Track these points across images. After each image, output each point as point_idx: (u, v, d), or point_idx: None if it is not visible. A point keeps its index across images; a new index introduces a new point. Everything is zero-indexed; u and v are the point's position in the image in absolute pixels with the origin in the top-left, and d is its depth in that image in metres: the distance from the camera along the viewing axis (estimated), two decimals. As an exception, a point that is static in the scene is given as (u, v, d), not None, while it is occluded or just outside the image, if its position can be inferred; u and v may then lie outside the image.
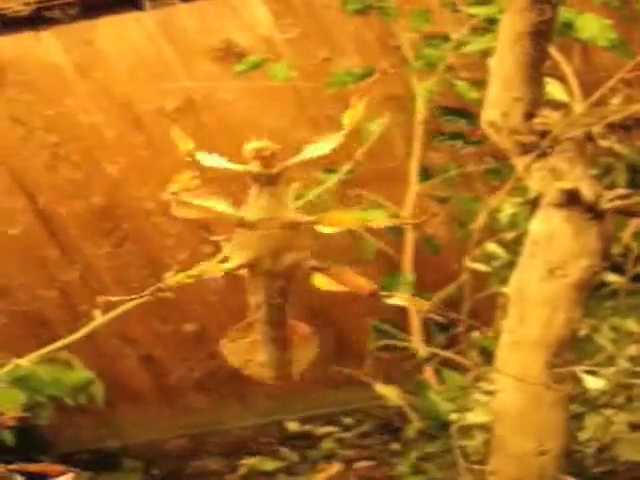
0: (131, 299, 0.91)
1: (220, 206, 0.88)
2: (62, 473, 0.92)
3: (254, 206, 0.87)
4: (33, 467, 0.92)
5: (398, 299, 0.89)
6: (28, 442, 2.18)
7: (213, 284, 2.24)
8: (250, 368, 0.92)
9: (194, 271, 0.88)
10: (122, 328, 2.41)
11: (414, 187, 1.76)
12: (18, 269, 2.41)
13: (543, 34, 1.26)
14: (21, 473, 0.90)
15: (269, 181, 0.87)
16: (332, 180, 1.01)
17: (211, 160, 0.88)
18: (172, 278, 0.89)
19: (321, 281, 0.90)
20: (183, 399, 2.51)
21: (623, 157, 1.48)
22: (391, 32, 1.82)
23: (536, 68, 1.28)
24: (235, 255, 0.88)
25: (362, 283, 0.89)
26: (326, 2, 2.05)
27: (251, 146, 0.87)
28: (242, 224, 0.88)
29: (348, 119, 0.87)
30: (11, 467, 0.90)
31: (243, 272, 0.89)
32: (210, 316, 2.41)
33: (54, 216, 2.37)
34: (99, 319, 1.49)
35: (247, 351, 0.91)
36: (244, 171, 0.87)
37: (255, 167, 0.86)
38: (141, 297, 0.89)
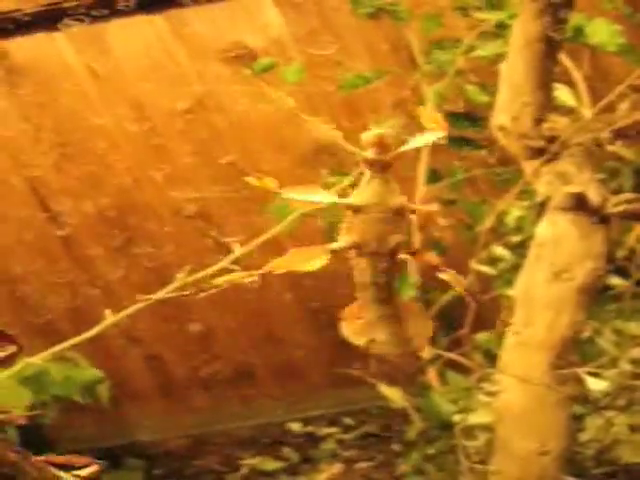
0: (156, 297, 0.94)
1: (328, 197, 0.92)
2: (88, 464, 0.94)
3: (365, 191, 0.91)
4: (59, 458, 0.94)
5: (446, 274, 0.94)
6: (32, 440, 2.19)
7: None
8: (374, 347, 0.95)
9: (295, 255, 0.92)
10: (127, 327, 2.42)
11: (422, 189, 1.78)
12: (26, 268, 2.43)
13: (554, 40, 1.28)
14: (49, 464, 0.93)
15: (383, 168, 0.90)
16: (344, 183, 1.04)
17: (324, 130, 0.91)
18: (267, 266, 0.93)
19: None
20: (186, 399, 2.52)
21: (629, 162, 1.50)
22: (402, 36, 1.84)
23: (546, 73, 1.30)
24: (344, 237, 0.91)
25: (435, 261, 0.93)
26: (337, 5, 2.07)
27: (372, 133, 0.90)
28: (353, 209, 0.91)
29: (427, 120, 0.91)
30: (40, 458, 0.92)
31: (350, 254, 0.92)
32: (215, 317, 2.43)
33: (62, 216, 2.39)
34: (110, 319, 1.51)
35: (366, 331, 0.94)
36: (362, 156, 0.90)
37: (372, 153, 0.90)
38: (167, 294, 0.92)
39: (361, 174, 0.91)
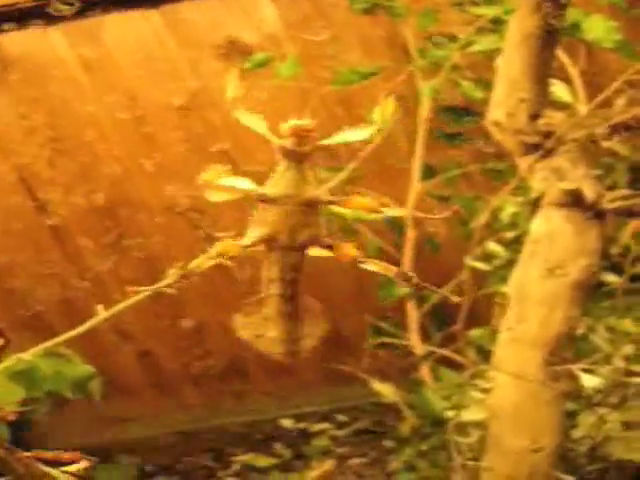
0: (144, 290, 0.93)
1: (245, 184, 0.90)
2: (77, 460, 0.93)
3: (279, 182, 0.90)
4: (48, 454, 0.93)
5: (370, 264, 0.92)
6: (22, 436, 2.18)
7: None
8: (260, 343, 0.94)
9: (210, 254, 0.90)
10: (118, 323, 2.42)
11: (416, 185, 1.78)
12: (18, 262, 2.42)
13: (550, 36, 1.28)
14: (37, 460, 0.92)
15: (299, 158, 0.89)
16: (337, 178, 1.03)
17: (250, 121, 0.90)
18: (185, 266, 0.92)
19: (317, 252, 0.93)
20: (178, 394, 2.52)
21: (624, 158, 1.50)
22: (397, 31, 1.84)
23: (543, 69, 1.30)
24: (254, 230, 0.90)
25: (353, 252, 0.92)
26: (333, 1, 2.07)
27: (291, 123, 0.89)
28: (264, 200, 0.90)
29: (378, 115, 0.89)
30: (28, 455, 0.91)
31: (260, 248, 0.91)
32: (207, 312, 2.42)
33: (55, 211, 2.38)
34: (102, 314, 1.50)
35: (259, 326, 0.93)
36: (278, 144, 0.89)
37: (289, 143, 0.89)
38: (157, 288, 0.92)
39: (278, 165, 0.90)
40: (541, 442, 1.37)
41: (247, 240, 0.90)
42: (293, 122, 0.88)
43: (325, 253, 0.91)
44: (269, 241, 0.90)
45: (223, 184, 0.89)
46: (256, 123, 0.90)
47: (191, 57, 2.22)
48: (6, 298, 2.43)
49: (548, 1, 1.24)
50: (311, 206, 0.90)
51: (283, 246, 0.90)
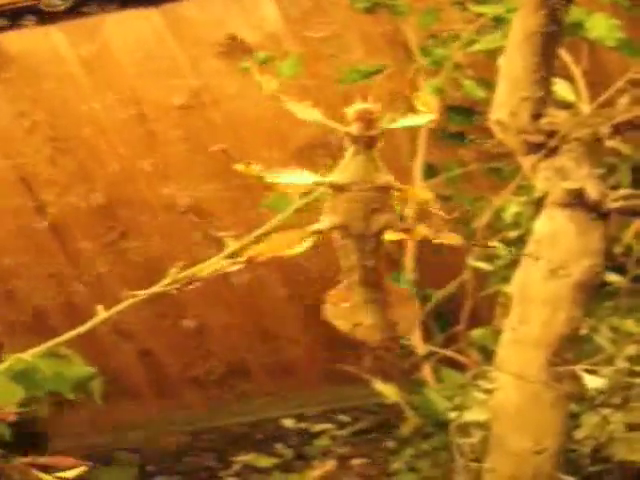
0: (142, 294, 0.92)
1: (310, 177, 0.88)
2: (73, 466, 0.92)
3: (348, 168, 0.88)
4: (43, 460, 0.92)
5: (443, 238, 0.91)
6: (23, 437, 2.17)
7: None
8: (358, 332, 0.92)
9: (277, 237, 0.89)
10: (119, 323, 2.41)
11: (418, 184, 1.77)
12: (18, 262, 2.42)
13: (553, 35, 1.27)
14: (32, 466, 0.90)
15: (367, 144, 0.87)
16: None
17: (305, 112, 0.88)
18: (254, 249, 0.90)
19: (393, 236, 0.92)
20: (180, 395, 2.51)
21: (628, 157, 1.49)
22: (399, 30, 1.83)
23: (545, 68, 1.29)
24: (327, 218, 0.88)
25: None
26: (335, -1, 2.06)
27: (356, 108, 0.87)
28: (335, 187, 0.87)
29: (423, 105, 0.88)
30: (24, 461, 0.90)
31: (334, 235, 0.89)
32: (209, 313, 2.42)
33: (54, 210, 2.37)
34: (102, 315, 1.49)
35: (351, 315, 0.91)
36: (345, 131, 0.87)
37: (356, 129, 0.87)
38: (159, 289, 0.90)
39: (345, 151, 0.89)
40: (544, 443, 1.36)
41: (319, 227, 0.88)
42: (358, 106, 0.87)
43: (401, 236, 0.90)
44: (343, 229, 0.88)
45: (287, 180, 0.88)
46: (309, 112, 0.88)
47: (191, 55, 2.22)
48: (6, 299, 2.43)
49: (546, 9, 1.23)
50: (383, 191, 0.88)
51: (358, 233, 0.88)
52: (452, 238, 0.91)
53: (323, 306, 0.92)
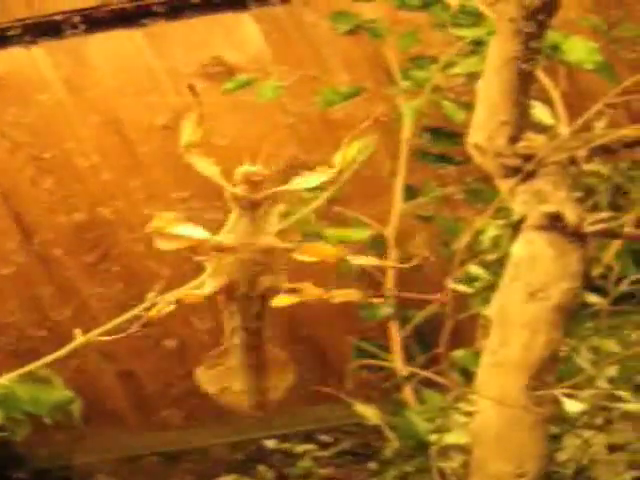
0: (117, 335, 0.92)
1: (198, 233, 0.88)
2: None
3: (233, 230, 0.88)
4: None
5: (337, 296, 0.91)
6: (3, 458, 2.15)
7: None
8: (226, 396, 0.91)
9: (172, 297, 0.89)
10: (100, 343, 2.39)
11: (398, 205, 1.78)
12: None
13: (530, 59, 1.28)
14: None
15: (252, 205, 0.87)
16: (319, 200, 1.02)
17: (203, 166, 0.88)
18: (153, 309, 0.90)
19: (283, 300, 0.91)
20: (159, 415, 2.49)
21: (607, 178, 1.50)
22: (380, 52, 1.84)
23: (523, 92, 1.30)
24: (212, 280, 0.88)
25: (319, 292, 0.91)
26: (316, 21, 2.07)
27: (242, 169, 0.88)
28: (220, 248, 0.88)
29: (340, 159, 0.89)
30: None
31: (219, 297, 0.89)
32: (190, 333, 2.40)
33: (38, 230, 2.36)
34: (80, 338, 1.48)
35: (223, 378, 0.91)
36: (229, 192, 0.87)
37: (241, 190, 0.87)
38: (127, 333, 0.90)
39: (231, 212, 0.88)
40: (525, 467, 1.36)
41: (206, 290, 0.88)
42: (244, 168, 0.87)
43: (289, 300, 0.89)
44: (228, 290, 0.87)
45: (176, 232, 0.87)
46: (208, 169, 0.89)
47: (174, 76, 2.22)
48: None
49: (523, 36, 1.24)
50: (268, 253, 0.87)
51: (243, 295, 0.88)
52: (350, 294, 0.91)
53: (197, 369, 0.91)
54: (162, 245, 0.88)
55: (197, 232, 0.87)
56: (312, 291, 0.89)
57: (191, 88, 0.88)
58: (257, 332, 0.89)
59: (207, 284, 0.89)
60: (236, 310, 0.89)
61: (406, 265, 0.91)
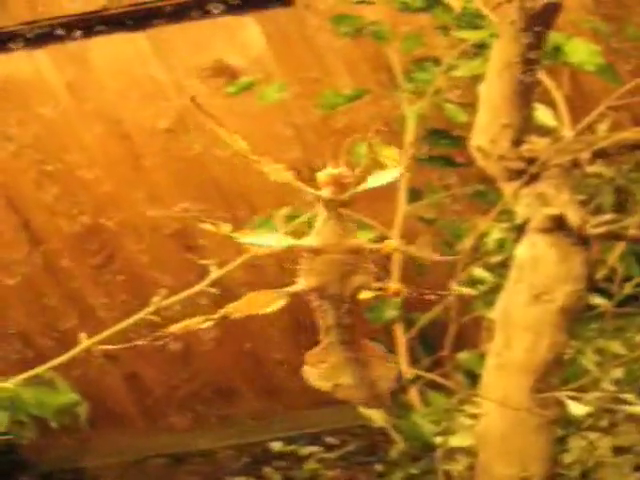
0: (141, 342, 0.93)
1: (285, 240, 0.90)
2: None
3: (322, 231, 0.89)
4: None
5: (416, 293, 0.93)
6: (8, 461, 2.16)
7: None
8: (340, 392, 0.93)
9: (253, 296, 0.91)
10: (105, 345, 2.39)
11: (402, 208, 1.77)
12: (3, 285, 2.41)
13: (533, 62, 1.28)
14: None
15: (340, 207, 0.89)
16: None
17: (276, 173, 0.89)
18: (181, 324, 0.92)
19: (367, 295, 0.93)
20: (165, 418, 2.50)
21: (610, 180, 1.50)
22: (382, 55, 1.83)
23: (525, 95, 1.30)
24: (303, 279, 0.90)
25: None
26: (318, 24, 2.07)
27: (328, 172, 0.88)
28: (311, 251, 0.89)
29: (391, 162, 0.90)
30: None
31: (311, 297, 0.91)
32: (195, 335, 2.41)
33: (41, 233, 2.37)
34: (85, 342, 1.49)
35: (331, 375, 0.92)
36: (316, 196, 0.89)
37: (328, 192, 0.88)
38: (153, 339, 0.91)
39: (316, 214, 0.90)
40: (530, 470, 1.35)
41: (295, 289, 0.90)
42: (330, 171, 0.88)
43: (372, 295, 0.92)
44: (319, 291, 0.90)
45: (262, 241, 0.89)
46: (281, 175, 0.90)
47: (177, 79, 2.22)
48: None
49: (525, 38, 1.23)
50: (356, 253, 0.89)
51: (334, 295, 0.90)
52: (416, 292, 0.93)
53: (303, 368, 0.93)
54: (257, 251, 0.90)
55: (284, 239, 0.89)
56: (396, 289, 0.90)
57: (193, 100, 0.88)
58: (351, 328, 0.90)
59: (299, 283, 0.90)
60: (329, 309, 0.90)
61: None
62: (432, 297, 0.94)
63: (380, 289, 0.91)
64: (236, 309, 0.90)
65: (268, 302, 0.90)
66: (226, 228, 0.89)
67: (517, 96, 1.29)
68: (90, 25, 2.20)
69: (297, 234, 0.92)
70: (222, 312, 0.90)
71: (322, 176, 0.89)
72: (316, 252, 0.90)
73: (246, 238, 0.89)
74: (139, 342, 0.88)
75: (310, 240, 0.90)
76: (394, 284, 0.92)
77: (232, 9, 2.15)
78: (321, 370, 0.92)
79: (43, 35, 2.21)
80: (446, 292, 0.96)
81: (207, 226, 0.89)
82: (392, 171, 0.91)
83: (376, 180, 0.90)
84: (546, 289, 1.33)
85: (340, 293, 0.90)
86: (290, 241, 0.90)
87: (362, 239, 0.91)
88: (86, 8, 2.20)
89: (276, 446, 2.36)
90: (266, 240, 0.90)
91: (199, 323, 0.90)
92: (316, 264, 0.90)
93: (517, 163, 1.31)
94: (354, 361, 0.92)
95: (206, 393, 2.45)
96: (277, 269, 2.08)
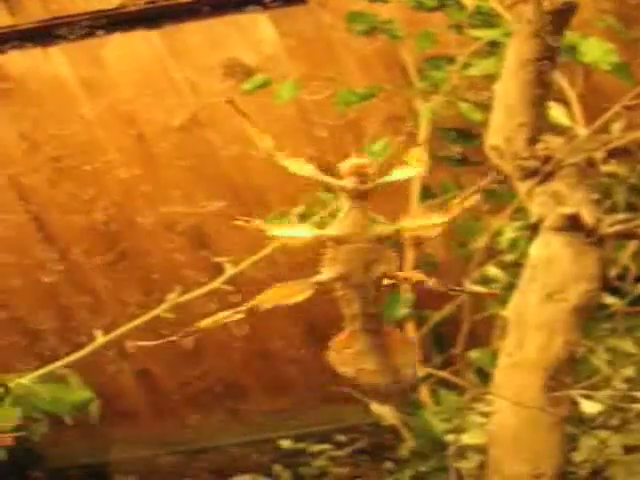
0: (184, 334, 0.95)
1: (310, 231, 0.92)
2: None
3: (345, 221, 0.90)
4: None
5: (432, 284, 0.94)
6: (20, 457, 2.16)
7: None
8: (363, 377, 0.95)
9: (279, 287, 0.92)
10: (118, 342, 2.40)
11: (415, 206, 1.78)
12: (16, 282, 2.42)
13: (548, 61, 1.28)
14: None
15: (363, 196, 0.89)
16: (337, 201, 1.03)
17: (298, 167, 0.91)
18: (207, 320, 0.94)
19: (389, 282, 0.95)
20: (176, 415, 2.50)
21: (624, 179, 1.50)
22: (396, 53, 1.84)
23: (540, 94, 1.30)
24: (327, 269, 0.91)
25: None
26: (332, 22, 2.08)
27: (351, 162, 0.89)
28: (336, 240, 0.90)
29: (412, 161, 0.92)
30: None
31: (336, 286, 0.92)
32: (206, 332, 2.41)
33: (55, 230, 2.38)
34: (100, 339, 1.50)
35: (356, 360, 0.93)
36: (339, 186, 0.90)
37: (351, 182, 0.89)
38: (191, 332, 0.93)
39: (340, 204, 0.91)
40: (542, 468, 1.36)
41: (321, 278, 0.91)
42: (352, 161, 0.90)
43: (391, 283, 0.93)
44: (344, 279, 0.91)
45: (287, 233, 0.91)
46: (304, 168, 0.92)
47: (191, 77, 2.23)
48: (2, 319, 2.43)
49: (541, 38, 1.24)
50: (379, 242, 0.91)
51: (358, 283, 0.90)
52: (438, 284, 0.94)
53: (327, 352, 0.95)
54: (287, 243, 0.91)
55: (308, 230, 0.91)
56: (418, 278, 0.92)
57: (228, 101, 0.90)
58: (376, 316, 0.92)
59: (323, 273, 0.91)
60: (354, 297, 0.91)
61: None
62: (450, 292, 0.94)
63: (404, 278, 0.93)
64: (264, 300, 0.91)
65: (294, 293, 0.91)
66: (257, 223, 0.91)
67: (532, 95, 1.29)
68: (105, 23, 2.21)
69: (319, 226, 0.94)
70: (250, 304, 0.91)
71: (345, 166, 0.90)
72: (340, 241, 0.91)
73: (278, 230, 0.91)
74: (169, 339, 0.89)
75: (334, 229, 0.91)
76: (417, 274, 0.93)
77: (246, 7, 2.15)
78: (345, 356, 0.93)
79: (58, 33, 2.23)
80: (465, 289, 0.97)
81: (239, 223, 0.90)
82: (414, 168, 0.92)
83: (398, 174, 0.92)
84: (559, 288, 1.34)
85: (364, 282, 0.91)
86: (317, 231, 0.91)
87: (385, 227, 0.92)
88: (101, 6, 2.21)
89: (286, 443, 2.36)
90: (297, 231, 0.91)
91: (229, 317, 0.91)
92: (340, 254, 0.91)
93: (532, 162, 1.32)
94: (378, 347, 0.93)
95: (217, 390, 2.46)
96: (291, 265, 2.08)
